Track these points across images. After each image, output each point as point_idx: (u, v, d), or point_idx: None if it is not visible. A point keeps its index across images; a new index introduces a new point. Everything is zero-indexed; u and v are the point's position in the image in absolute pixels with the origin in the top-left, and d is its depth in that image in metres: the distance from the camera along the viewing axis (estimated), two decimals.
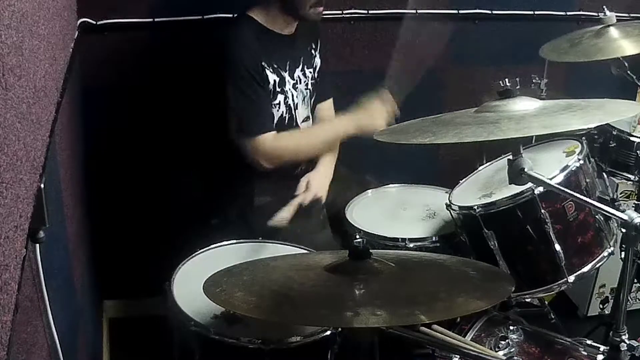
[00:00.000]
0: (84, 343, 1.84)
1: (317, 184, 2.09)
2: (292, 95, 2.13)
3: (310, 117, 2.24)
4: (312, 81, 2.21)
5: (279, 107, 2.09)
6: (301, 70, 2.16)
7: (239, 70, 1.98)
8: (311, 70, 2.21)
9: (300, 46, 2.17)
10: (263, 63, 2.03)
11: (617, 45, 1.97)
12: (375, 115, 2.09)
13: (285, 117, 2.11)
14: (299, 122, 2.17)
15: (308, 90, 2.20)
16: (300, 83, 2.16)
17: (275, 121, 2.09)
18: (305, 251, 1.83)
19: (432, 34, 2.16)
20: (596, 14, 2.16)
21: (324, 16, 2.14)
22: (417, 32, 2.15)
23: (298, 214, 2.00)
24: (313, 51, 2.23)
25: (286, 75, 2.10)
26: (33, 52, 1.15)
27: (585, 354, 1.64)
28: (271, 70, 2.05)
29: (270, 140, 2.02)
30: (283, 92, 2.10)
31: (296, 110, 2.15)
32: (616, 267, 1.47)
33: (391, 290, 1.26)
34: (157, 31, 2.34)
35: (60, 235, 1.58)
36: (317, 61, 2.24)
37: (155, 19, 2.31)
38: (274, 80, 2.06)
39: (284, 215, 1.99)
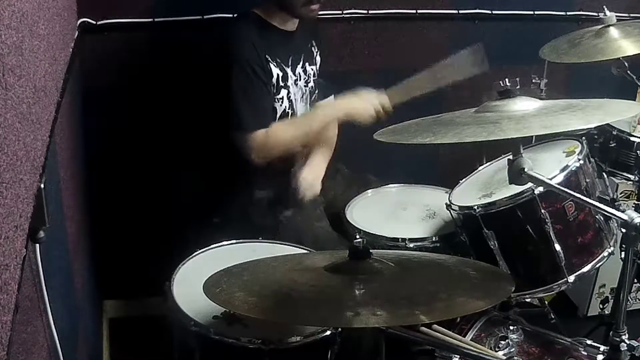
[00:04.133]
0: (84, 343, 1.84)
1: (309, 178, 2.09)
2: (294, 92, 2.13)
3: None
4: (314, 78, 2.21)
5: (282, 102, 2.10)
6: (302, 67, 2.16)
7: (241, 65, 1.97)
8: (313, 67, 2.21)
9: (301, 43, 2.18)
10: (267, 56, 2.03)
11: (617, 45, 1.97)
12: (363, 100, 2.07)
13: (288, 112, 2.11)
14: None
15: (307, 88, 2.20)
16: (300, 80, 2.16)
17: (278, 115, 2.08)
18: (305, 251, 1.83)
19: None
20: (596, 14, 2.16)
21: (324, 16, 2.14)
22: None
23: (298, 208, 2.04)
24: (313, 49, 2.23)
25: (288, 70, 2.10)
26: (33, 52, 1.15)
27: (585, 354, 1.64)
28: (275, 64, 2.05)
29: (261, 137, 2.00)
30: (286, 86, 2.10)
31: (296, 107, 2.15)
32: (616, 267, 1.47)
33: (391, 290, 1.26)
34: (157, 31, 2.34)
35: (60, 235, 1.58)
36: (318, 59, 2.24)
37: (155, 19, 2.30)
38: (277, 75, 2.06)
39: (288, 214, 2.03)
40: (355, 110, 2.07)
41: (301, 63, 2.16)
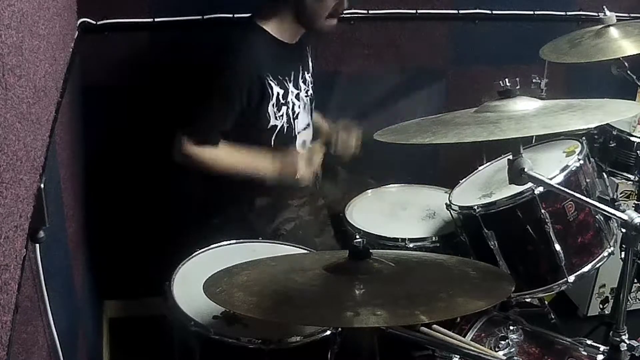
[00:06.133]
0: (84, 343, 1.84)
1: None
2: (294, 105, 2.10)
3: (311, 124, 2.22)
4: (312, 86, 2.20)
5: (282, 118, 2.07)
6: (302, 78, 2.15)
7: (235, 77, 1.96)
8: (309, 75, 2.20)
9: (300, 53, 2.17)
10: (269, 75, 2.00)
11: (617, 45, 1.97)
12: (297, 166, 2.05)
13: (284, 127, 2.08)
14: (297, 131, 2.15)
15: (308, 97, 2.19)
16: (301, 91, 2.14)
17: (276, 132, 2.07)
18: (305, 251, 1.83)
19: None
20: (596, 14, 2.16)
21: None
22: None
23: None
24: (308, 54, 2.22)
25: (290, 85, 2.08)
26: (33, 52, 1.15)
27: (585, 354, 1.64)
28: (276, 82, 2.02)
29: (195, 151, 2.01)
30: (286, 103, 2.07)
31: (296, 120, 2.12)
32: (616, 267, 1.47)
33: (391, 290, 1.26)
34: (157, 31, 2.34)
35: (60, 235, 1.58)
36: (311, 63, 2.23)
37: (155, 19, 2.30)
38: (278, 93, 2.03)
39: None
40: (288, 175, 2.06)
41: (301, 74, 2.14)
